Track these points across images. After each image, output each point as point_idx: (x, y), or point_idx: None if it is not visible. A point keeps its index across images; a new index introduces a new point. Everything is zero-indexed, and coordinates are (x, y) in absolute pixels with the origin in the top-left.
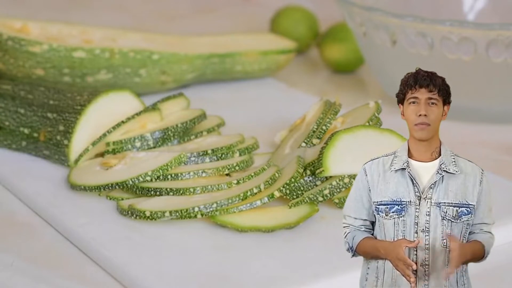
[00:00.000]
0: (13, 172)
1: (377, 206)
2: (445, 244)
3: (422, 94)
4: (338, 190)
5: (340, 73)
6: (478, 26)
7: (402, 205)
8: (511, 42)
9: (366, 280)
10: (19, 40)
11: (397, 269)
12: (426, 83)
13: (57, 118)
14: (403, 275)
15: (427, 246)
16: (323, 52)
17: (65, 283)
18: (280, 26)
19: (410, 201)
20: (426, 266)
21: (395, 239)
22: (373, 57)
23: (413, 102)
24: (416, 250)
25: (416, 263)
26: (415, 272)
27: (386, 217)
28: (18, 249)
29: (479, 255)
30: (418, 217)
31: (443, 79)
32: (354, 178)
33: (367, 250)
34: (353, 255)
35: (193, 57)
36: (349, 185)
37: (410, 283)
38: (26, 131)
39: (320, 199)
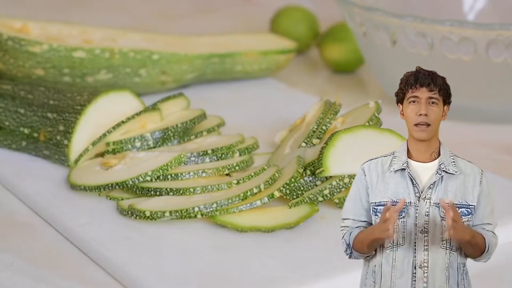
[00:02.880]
0: (13, 172)
1: (375, 207)
2: (444, 245)
3: (423, 93)
4: (338, 190)
5: (340, 73)
6: (478, 26)
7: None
8: (511, 42)
9: (365, 285)
10: (19, 40)
11: (380, 234)
12: (427, 82)
13: (57, 118)
14: (383, 237)
15: (426, 247)
16: (323, 52)
17: (65, 283)
18: (280, 26)
19: (411, 202)
20: (425, 268)
21: (395, 241)
22: (373, 57)
23: (413, 101)
24: (416, 252)
25: (415, 266)
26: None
27: None
28: (18, 249)
29: (480, 244)
30: (417, 217)
31: (443, 79)
32: (354, 178)
33: (363, 238)
34: (350, 255)
35: (193, 57)
36: (349, 185)
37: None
38: (26, 131)
39: (320, 199)
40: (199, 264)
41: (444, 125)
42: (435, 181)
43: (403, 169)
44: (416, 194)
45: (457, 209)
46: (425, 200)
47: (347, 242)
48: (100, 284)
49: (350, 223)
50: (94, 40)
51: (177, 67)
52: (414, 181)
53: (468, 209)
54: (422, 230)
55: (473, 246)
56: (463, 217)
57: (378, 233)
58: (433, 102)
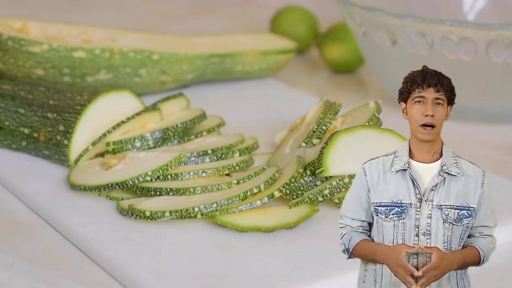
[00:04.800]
0: (13, 172)
1: (376, 208)
2: (446, 247)
3: (430, 93)
4: (338, 190)
5: (340, 73)
6: (478, 26)
7: (402, 207)
8: (511, 42)
9: (364, 282)
10: (19, 40)
11: (396, 276)
12: (435, 83)
13: (57, 118)
14: (403, 282)
15: None
16: (323, 52)
17: (65, 283)
18: (280, 26)
19: (411, 203)
20: None
21: (395, 242)
22: (373, 57)
23: (419, 102)
24: (417, 254)
25: (417, 268)
26: (416, 278)
27: (385, 219)
28: (18, 249)
29: (473, 262)
30: (419, 219)
31: (449, 80)
32: (354, 178)
33: (364, 253)
34: (349, 257)
35: (193, 57)
36: (349, 185)
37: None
38: (26, 131)
39: (320, 199)
40: (199, 264)
41: (444, 125)
42: (437, 183)
43: (404, 170)
44: (417, 195)
45: (459, 211)
46: (427, 202)
47: (346, 246)
48: (100, 284)
49: (349, 221)
50: (94, 40)
51: (177, 67)
52: (415, 182)
53: (469, 211)
54: (424, 232)
55: (465, 267)
56: (464, 219)
57: (391, 267)
58: (438, 103)
